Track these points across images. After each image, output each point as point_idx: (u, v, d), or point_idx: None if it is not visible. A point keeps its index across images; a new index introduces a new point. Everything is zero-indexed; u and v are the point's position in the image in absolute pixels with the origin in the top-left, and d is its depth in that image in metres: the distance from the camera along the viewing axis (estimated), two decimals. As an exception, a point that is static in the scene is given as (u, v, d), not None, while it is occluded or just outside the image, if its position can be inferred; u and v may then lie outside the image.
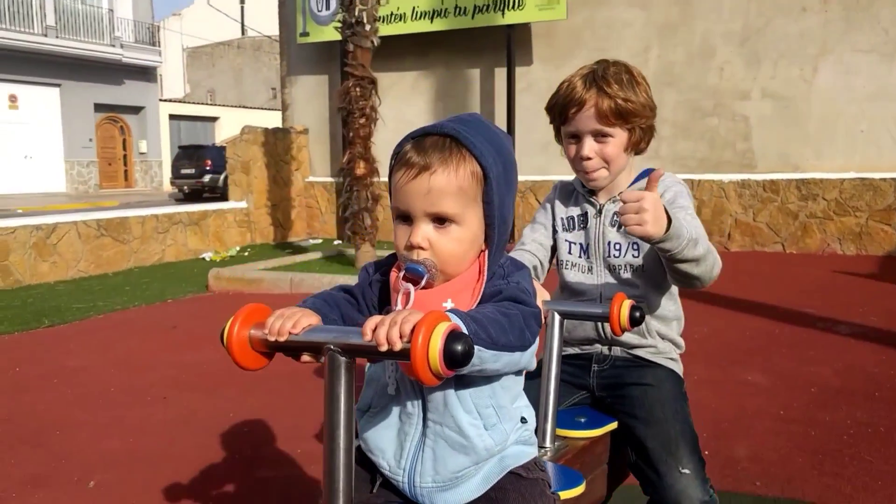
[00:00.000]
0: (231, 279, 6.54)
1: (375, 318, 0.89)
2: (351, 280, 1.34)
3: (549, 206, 1.81)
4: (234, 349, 0.96)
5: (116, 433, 3.06)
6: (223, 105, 33.81)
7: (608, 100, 1.57)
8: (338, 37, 7.33)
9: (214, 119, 32.34)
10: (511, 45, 9.01)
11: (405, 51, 9.64)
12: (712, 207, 8.25)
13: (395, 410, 1.12)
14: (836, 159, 7.99)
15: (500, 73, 9.29)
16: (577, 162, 1.67)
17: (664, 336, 1.71)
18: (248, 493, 2.50)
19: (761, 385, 3.50)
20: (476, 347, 0.90)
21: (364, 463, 1.18)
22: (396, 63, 9.65)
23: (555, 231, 1.78)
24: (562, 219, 1.77)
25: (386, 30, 9.17)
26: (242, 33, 37.95)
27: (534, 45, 9.28)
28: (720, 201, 8.23)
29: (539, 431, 1.47)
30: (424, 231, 1.06)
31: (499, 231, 1.10)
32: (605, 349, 1.72)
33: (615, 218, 1.64)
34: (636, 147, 1.66)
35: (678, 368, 1.72)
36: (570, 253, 1.74)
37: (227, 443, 2.92)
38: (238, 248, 9.19)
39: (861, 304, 5.11)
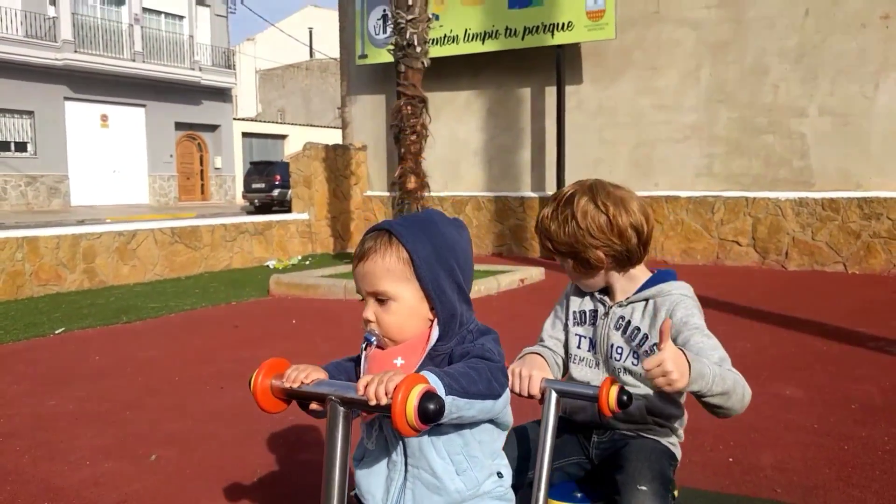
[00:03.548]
0: (290, 285, 6.91)
1: (367, 377, 1.08)
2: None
3: (565, 300, 1.88)
4: (258, 395, 1.20)
5: (178, 416, 3.38)
6: (292, 123, 35.08)
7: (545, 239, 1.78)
8: (393, 59, 7.67)
9: (284, 137, 33.61)
10: (561, 65, 9.15)
11: (458, 71, 9.95)
12: (768, 225, 8.15)
13: (383, 460, 1.32)
14: (901, 178, 7.79)
15: (551, 92, 9.44)
16: None
17: (663, 426, 1.77)
18: (290, 472, 2.74)
19: (798, 399, 3.45)
20: (451, 397, 1.10)
21: None
22: (450, 83, 9.96)
23: (566, 325, 1.85)
24: (574, 312, 1.84)
25: (440, 51, 9.48)
26: (311, 56, 39.36)
27: (583, 64, 9.40)
28: (776, 219, 8.12)
29: (533, 499, 1.60)
30: (370, 308, 1.29)
31: (440, 302, 1.28)
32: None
33: (619, 322, 1.74)
34: (608, 267, 1.72)
35: (675, 450, 1.77)
36: (578, 347, 1.82)
37: (274, 429, 3.18)
38: (300, 257, 9.63)
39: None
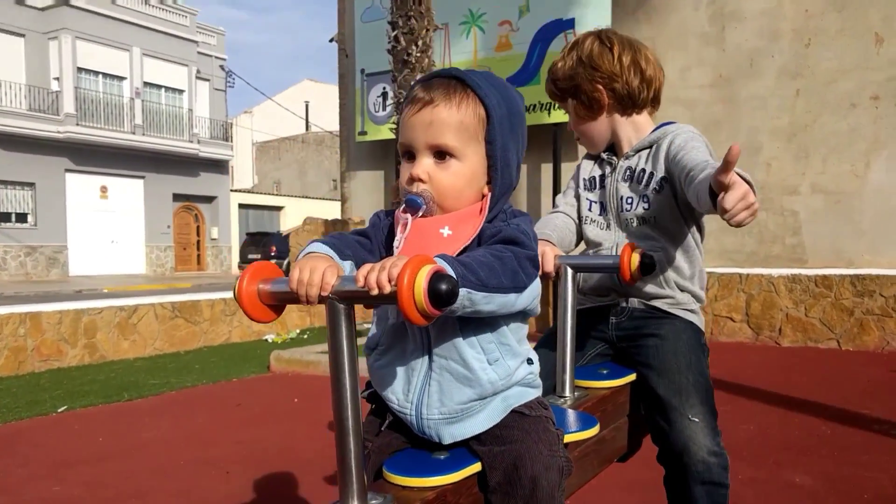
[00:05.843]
0: (290, 361, 6.89)
1: (367, 266, 0.92)
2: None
3: (576, 170, 1.89)
4: (244, 302, 0.99)
5: (184, 503, 3.34)
6: (288, 195, 35.58)
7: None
8: (393, 136, 7.91)
9: (280, 208, 34.00)
10: (557, 142, 9.44)
11: (460, 148, 10.23)
12: (762, 301, 8.25)
13: (402, 346, 1.15)
14: (892, 255, 7.96)
15: (547, 169, 9.70)
16: None
17: (682, 288, 1.67)
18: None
19: (809, 488, 3.39)
20: (465, 290, 0.95)
21: (373, 411, 1.24)
22: (452, 160, 10.23)
23: (577, 193, 1.84)
24: (584, 179, 1.83)
25: (443, 130, 9.78)
26: (307, 129, 40.24)
27: (579, 141, 9.69)
28: (770, 296, 8.24)
29: (558, 381, 1.50)
30: (425, 164, 1.11)
31: (502, 173, 1.13)
32: (622, 301, 1.70)
33: (626, 173, 1.70)
34: (610, 107, 1.71)
35: (697, 320, 1.68)
36: (589, 210, 1.79)
37: (285, 513, 3.17)
38: (298, 331, 9.61)
39: (922, 406, 4.89)
